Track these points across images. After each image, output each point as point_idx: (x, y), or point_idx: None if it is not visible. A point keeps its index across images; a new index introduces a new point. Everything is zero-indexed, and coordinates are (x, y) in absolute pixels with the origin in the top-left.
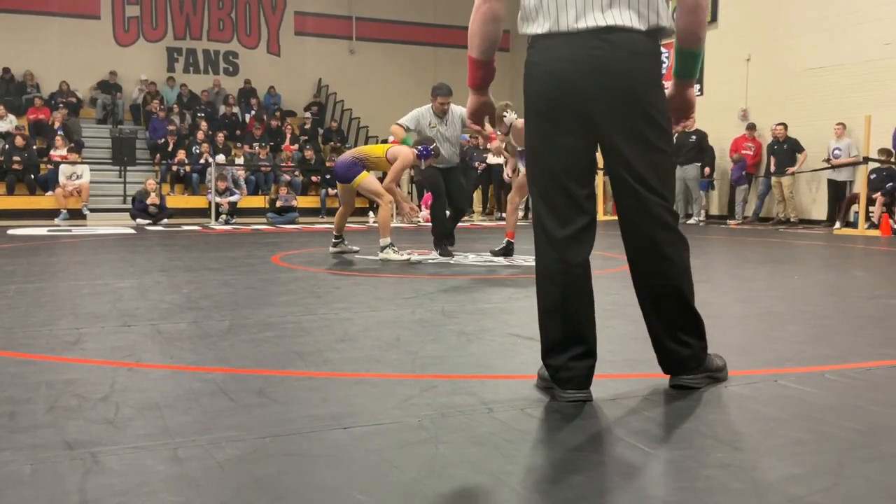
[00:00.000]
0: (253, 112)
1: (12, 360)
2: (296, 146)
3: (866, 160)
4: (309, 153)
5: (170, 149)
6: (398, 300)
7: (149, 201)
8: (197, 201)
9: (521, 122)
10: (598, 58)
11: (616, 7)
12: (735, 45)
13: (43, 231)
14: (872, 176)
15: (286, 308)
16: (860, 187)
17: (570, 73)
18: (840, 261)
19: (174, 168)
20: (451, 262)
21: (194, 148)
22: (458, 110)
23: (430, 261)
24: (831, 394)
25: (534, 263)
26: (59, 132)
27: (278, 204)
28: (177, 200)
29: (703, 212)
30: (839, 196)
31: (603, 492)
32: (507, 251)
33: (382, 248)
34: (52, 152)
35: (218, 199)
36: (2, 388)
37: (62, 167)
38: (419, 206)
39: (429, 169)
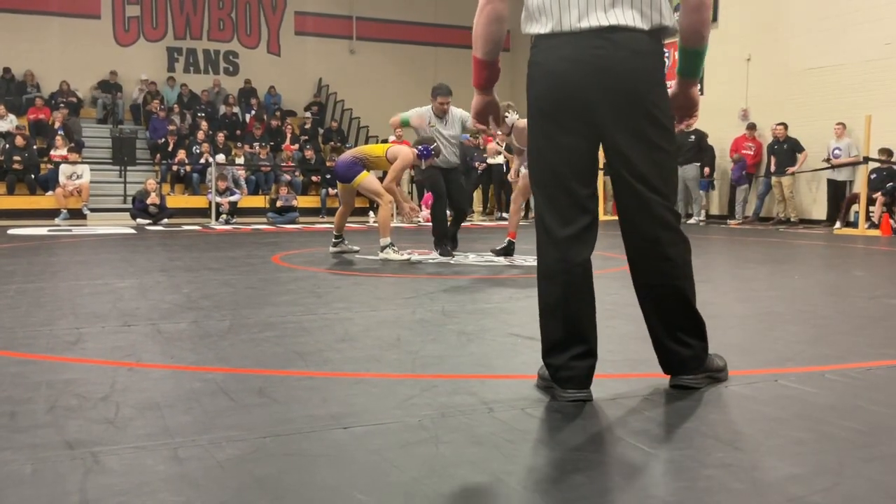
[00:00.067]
0: (253, 112)
1: (13, 360)
2: (296, 146)
3: (866, 160)
4: (309, 153)
5: (170, 149)
6: (398, 300)
7: (149, 201)
8: (197, 201)
9: (522, 122)
10: (601, 57)
11: (619, 6)
12: (735, 45)
13: (43, 231)
14: (873, 176)
15: (286, 308)
16: (860, 187)
17: (572, 73)
18: (840, 261)
19: (174, 168)
20: (452, 261)
21: (194, 148)
22: (458, 112)
23: (431, 261)
24: (832, 394)
25: (534, 263)
26: (59, 132)
27: (279, 204)
28: (177, 200)
29: (703, 212)
30: (839, 196)
31: (603, 491)
32: (508, 251)
33: (383, 248)
34: (52, 152)
35: (218, 199)
36: (2, 387)
37: (62, 167)
38: (419, 206)
39: (429, 169)
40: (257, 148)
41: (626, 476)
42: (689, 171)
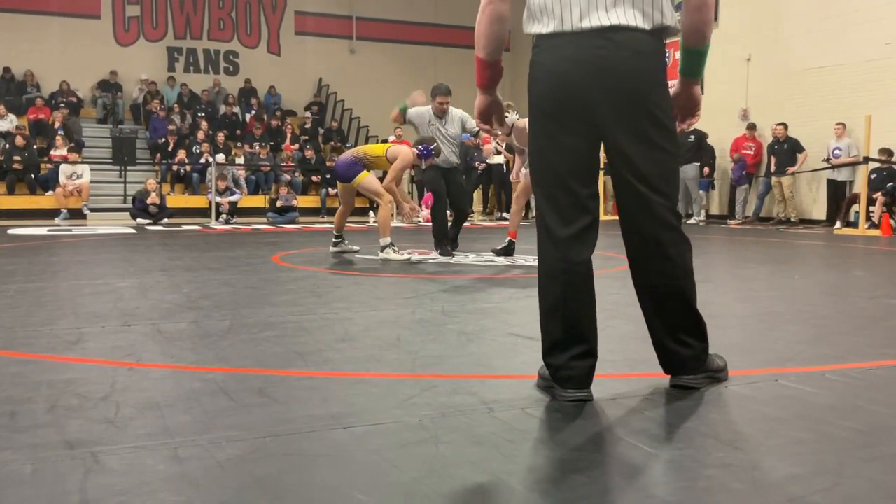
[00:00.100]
0: (253, 112)
1: (13, 360)
2: (296, 146)
3: (866, 160)
4: (309, 153)
5: (170, 148)
6: (398, 300)
7: (149, 201)
8: (197, 201)
9: (522, 122)
10: (602, 57)
11: (620, 6)
12: (735, 45)
13: (43, 231)
14: (873, 176)
15: (286, 308)
16: (860, 187)
17: (574, 73)
18: (840, 261)
19: (174, 168)
20: (452, 261)
21: (195, 147)
22: (458, 112)
23: (431, 260)
24: (832, 394)
25: (534, 263)
26: (59, 132)
27: (279, 203)
28: (177, 200)
29: (703, 212)
30: (839, 196)
31: (604, 491)
32: (509, 251)
33: (383, 248)
34: (52, 152)
35: (218, 199)
36: (2, 387)
37: (62, 167)
38: (419, 206)
39: (430, 169)
40: (257, 148)
41: (626, 476)
42: (689, 171)
